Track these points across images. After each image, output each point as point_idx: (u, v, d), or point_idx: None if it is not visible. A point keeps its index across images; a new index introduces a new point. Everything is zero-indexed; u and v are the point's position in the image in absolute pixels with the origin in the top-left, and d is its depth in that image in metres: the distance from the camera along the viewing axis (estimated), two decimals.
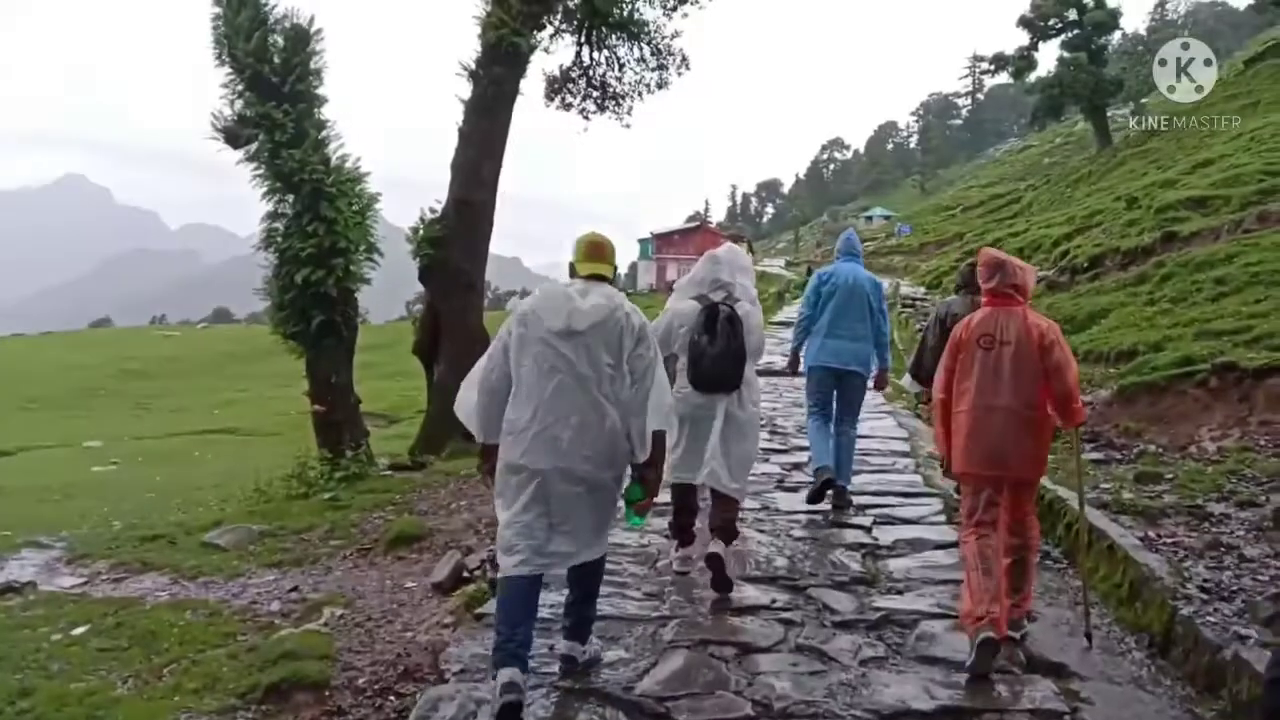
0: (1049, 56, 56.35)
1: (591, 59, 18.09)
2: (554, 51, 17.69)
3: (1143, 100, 65.12)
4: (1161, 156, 36.75)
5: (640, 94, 18.27)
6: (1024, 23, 55.07)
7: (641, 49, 18.06)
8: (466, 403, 4.71)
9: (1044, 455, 5.16)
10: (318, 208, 11.46)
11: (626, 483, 4.63)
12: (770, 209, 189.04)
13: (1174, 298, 12.53)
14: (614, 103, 18.36)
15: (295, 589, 6.90)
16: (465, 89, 14.22)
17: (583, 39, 17.83)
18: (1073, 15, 54.35)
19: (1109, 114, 57.66)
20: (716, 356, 5.76)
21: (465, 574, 6.75)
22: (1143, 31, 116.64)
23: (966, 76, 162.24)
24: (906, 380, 8.85)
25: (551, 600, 5.41)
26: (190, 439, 25.24)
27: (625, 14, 17.68)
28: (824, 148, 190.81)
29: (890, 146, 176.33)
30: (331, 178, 11.61)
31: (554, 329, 4.38)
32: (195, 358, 47.20)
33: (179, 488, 15.37)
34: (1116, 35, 59.39)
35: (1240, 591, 4.95)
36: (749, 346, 5.95)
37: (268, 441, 22.50)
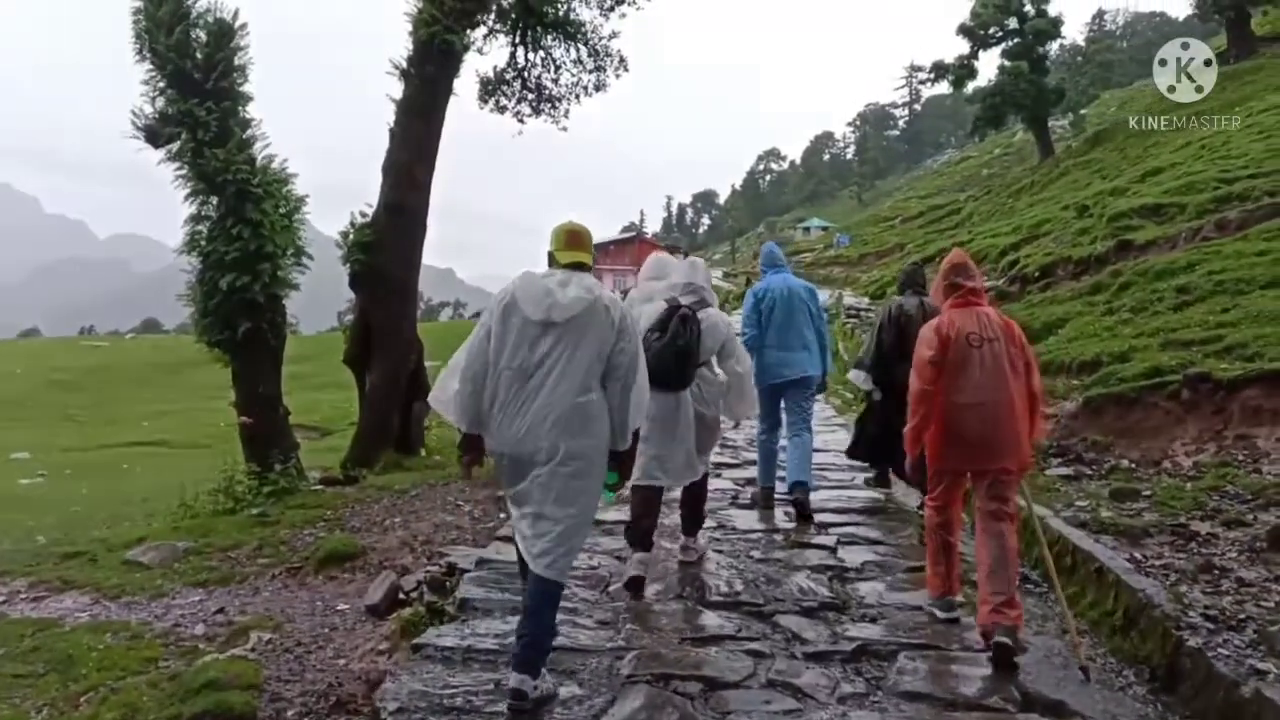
0: (989, 65, 56.42)
1: (527, 60, 17.67)
2: (488, 52, 17.33)
3: (1082, 111, 65.82)
4: (1106, 166, 37.18)
5: (577, 96, 17.91)
6: (964, 31, 54.56)
7: (578, 50, 17.70)
8: (446, 391, 4.67)
9: (1029, 447, 5.27)
10: (243, 210, 10.89)
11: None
12: (706, 220, 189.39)
13: (1135, 307, 12.40)
14: (550, 105, 17.93)
15: (221, 610, 6.52)
16: (397, 89, 13.73)
17: (518, 39, 17.40)
18: (1013, 24, 54.02)
19: (1049, 124, 57.88)
20: (659, 351, 5.78)
21: (401, 596, 6.40)
22: (1081, 42, 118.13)
23: (903, 87, 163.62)
24: (860, 377, 8.70)
25: (497, 629, 5.27)
26: (119, 451, 24.47)
27: (561, 13, 17.29)
28: (760, 158, 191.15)
29: (827, 157, 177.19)
30: (257, 178, 11.07)
31: (534, 319, 4.40)
32: (124, 368, 45.67)
33: (106, 501, 14.87)
34: (1056, 45, 59.32)
35: (1248, 620, 4.59)
36: (704, 345, 6.11)
37: (197, 454, 21.74)
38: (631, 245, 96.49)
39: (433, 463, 12.78)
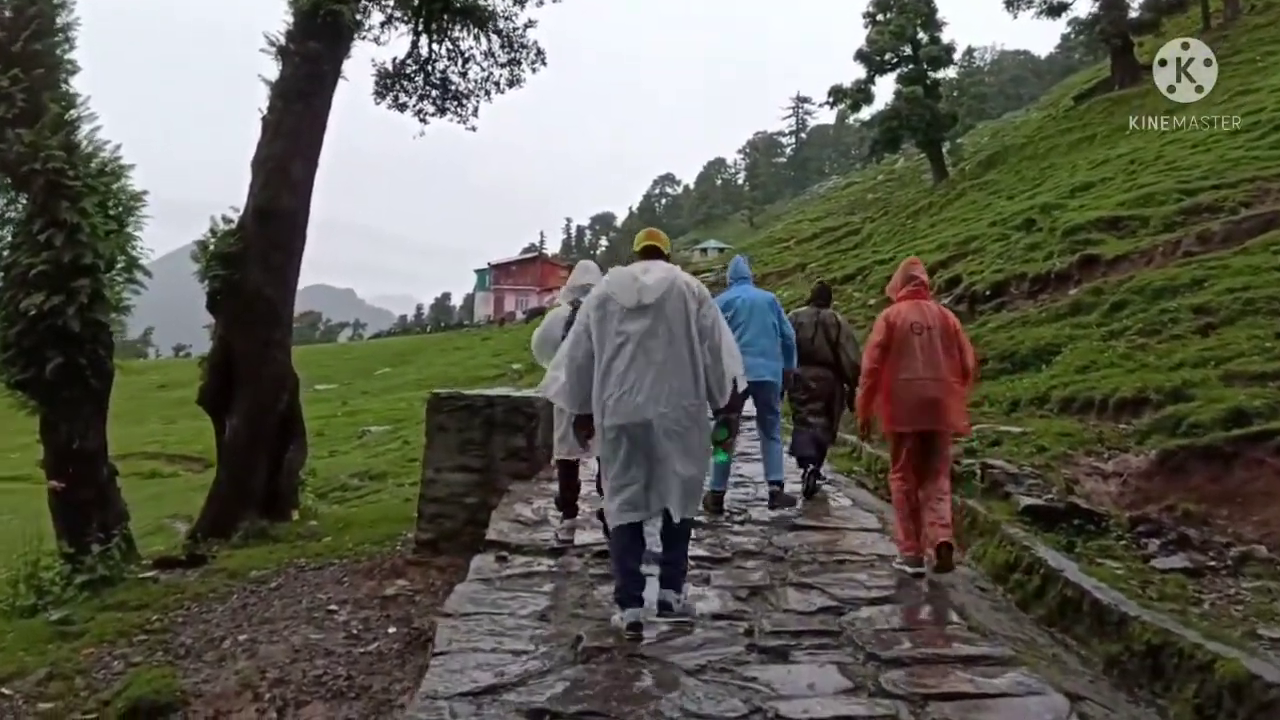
0: (885, 91, 56.76)
1: (431, 51, 15.34)
2: (386, 41, 14.96)
3: (959, 140, 66.73)
4: (1003, 187, 36.73)
5: (488, 92, 15.64)
6: (861, 56, 55.17)
7: (489, 40, 15.38)
8: (554, 383, 5.44)
9: (965, 410, 6.32)
10: (56, 210, 8.28)
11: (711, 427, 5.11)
12: (604, 241, 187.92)
13: (1145, 330, 10.70)
14: (456, 103, 15.63)
15: None
16: (273, 69, 11.30)
17: (420, 27, 15.07)
18: (908, 50, 54.84)
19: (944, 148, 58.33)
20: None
21: None
22: (954, 75, 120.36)
23: (790, 116, 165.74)
24: None
25: None
26: None
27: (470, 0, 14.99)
28: (656, 183, 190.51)
29: (719, 182, 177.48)
30: (77, 170, 8.39)
31: (627, 305, 4.91)
32: None
33: None
34: (946, 72, 59.82)
35: None
36: None
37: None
38: (534, 265, 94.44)
39: (307, 531, 10.21)
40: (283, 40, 11.23)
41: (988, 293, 16.26)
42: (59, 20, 8.87)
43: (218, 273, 10.66)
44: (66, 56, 8.94)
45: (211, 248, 10.83)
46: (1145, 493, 7.04)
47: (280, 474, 10.86)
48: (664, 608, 4.87)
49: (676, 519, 4.88)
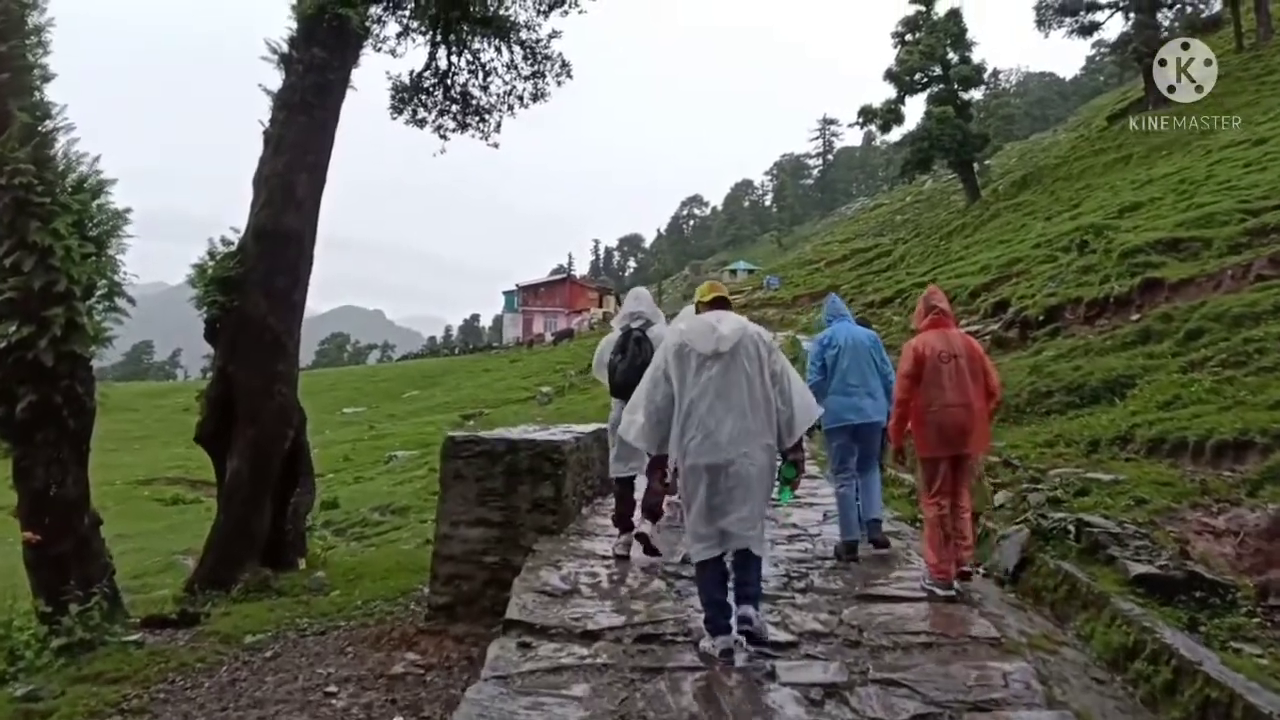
0: (915, 112, 55.83)
1: (450, 63, 14.49)
2: (403, 53, 14.13)
3: (987, 162, 65.60)
4: (1038, 208, 36.15)
5: (511, 107, 14.71)
6: (891, 77, 54.47)
7: (511, 52, 14.51)
8: (634, 425, 5.60)
9: (989, 431, 6.56)
10: (24, 230, 7.39)
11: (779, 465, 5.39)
12: (633, 263, 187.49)
13: (1229, 361, 9.61)
14: (477, 118, 14.76)
15: None
16: (275, 79, 10.48)
17: (438, 38, 14.23)
18: (938, 70, 53.98)
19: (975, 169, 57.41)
20: (625, 369, 7.04)
21: None
22: (980, 97, 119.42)
23: (817, 138, 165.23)
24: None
25: None
26: None
27: (490, 10, 14.13)
28: (684, 204, 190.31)
29: (747, 204, 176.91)
30: (50, 186, 7.54)
31: (704, 353, 5.19)
32: None
33: None
34: (976, 92, 58.98)
35: None
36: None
37: None
38: (562, 287, 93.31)
39: (313, 583, 9.28)
40: (285, 47, 10.42)
41: (1041, 318, 15.22)
42: (30, 21, 7.98)
43: (215, 299, 9.83)
44: (39, 61, 8.04)
45: (209, 272, 9.99)
46: (1268, 555, 6.00)
47: (286, 519, 9.95)
48: (743, 621, 4.99)
49: (752, 549, 5.09)
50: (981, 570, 6.81)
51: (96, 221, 7.93)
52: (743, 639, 4.96)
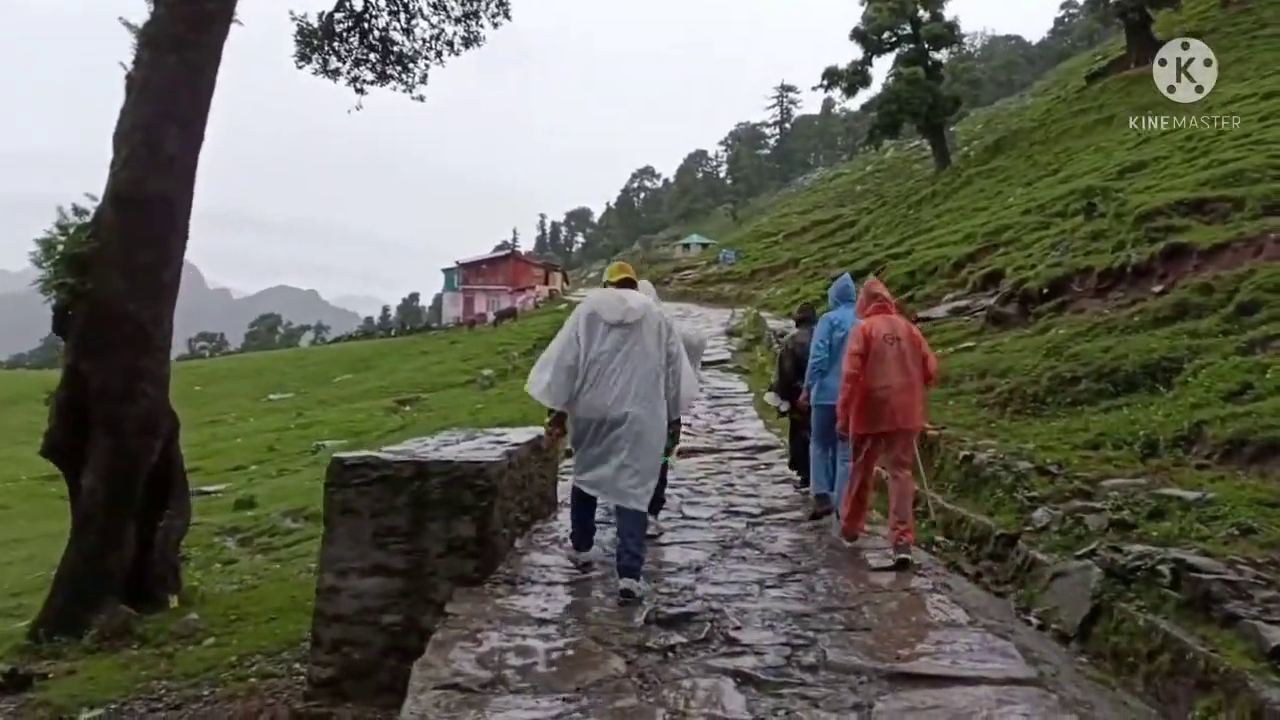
0: (881, 73, 53.79)
1: (367, 3, 12.50)
2: None
3: (952, 128, 63.93)
4: (1013, 174, 34.57)
5: (440, 53, 12.80)
6: (857, 35, 51.86)
7: None
8: (539, 382, 5.91)
9: (925, 410, 7.21)
10: None
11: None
12: (580, 238, 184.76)
13: None
14: (399, 68, 12.88)
15: None
16: (140, 10, 8.56)
17: None
18: (907, 29, 51.64)
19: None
20: None
21: None
22: (946, 60, 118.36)
23: (774, 106, 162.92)
24: (773, 398, 9.86)
25: None
26: None
27: None
28: (634, 176, 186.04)
29: (700, 175, 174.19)
30: None
31: (610, 321, 5.78)
32: None
33: None
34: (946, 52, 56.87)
35: None
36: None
37: None
38: (506, 264, 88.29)
39: (184, 627, 7.40)
40: None
41: (1044, 291, 13.56)
42: None
43: (64, 281, 7.94)
44: None
45: (61, 249, 8.10)
46: None
47: (153, 547, 8.11)
48: (627, 595, 5.46)
49: (630, 505, 5.65)
50: (1035, 620, 5.70)
51: None
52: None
